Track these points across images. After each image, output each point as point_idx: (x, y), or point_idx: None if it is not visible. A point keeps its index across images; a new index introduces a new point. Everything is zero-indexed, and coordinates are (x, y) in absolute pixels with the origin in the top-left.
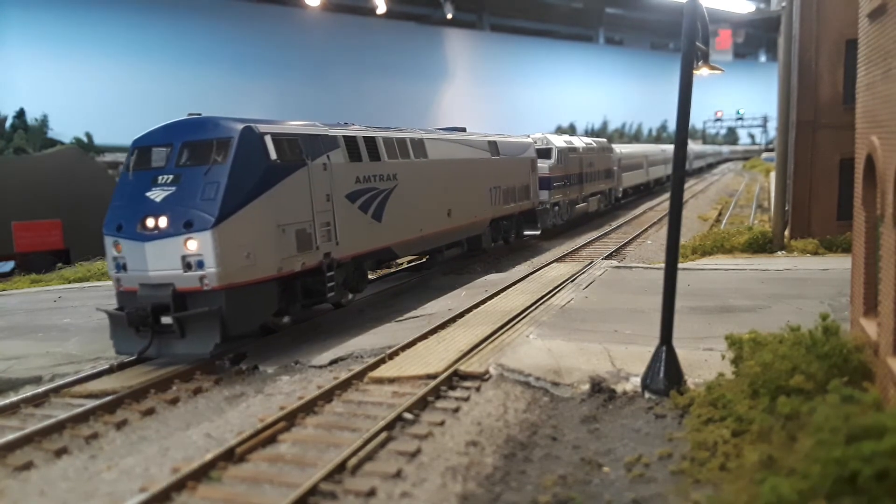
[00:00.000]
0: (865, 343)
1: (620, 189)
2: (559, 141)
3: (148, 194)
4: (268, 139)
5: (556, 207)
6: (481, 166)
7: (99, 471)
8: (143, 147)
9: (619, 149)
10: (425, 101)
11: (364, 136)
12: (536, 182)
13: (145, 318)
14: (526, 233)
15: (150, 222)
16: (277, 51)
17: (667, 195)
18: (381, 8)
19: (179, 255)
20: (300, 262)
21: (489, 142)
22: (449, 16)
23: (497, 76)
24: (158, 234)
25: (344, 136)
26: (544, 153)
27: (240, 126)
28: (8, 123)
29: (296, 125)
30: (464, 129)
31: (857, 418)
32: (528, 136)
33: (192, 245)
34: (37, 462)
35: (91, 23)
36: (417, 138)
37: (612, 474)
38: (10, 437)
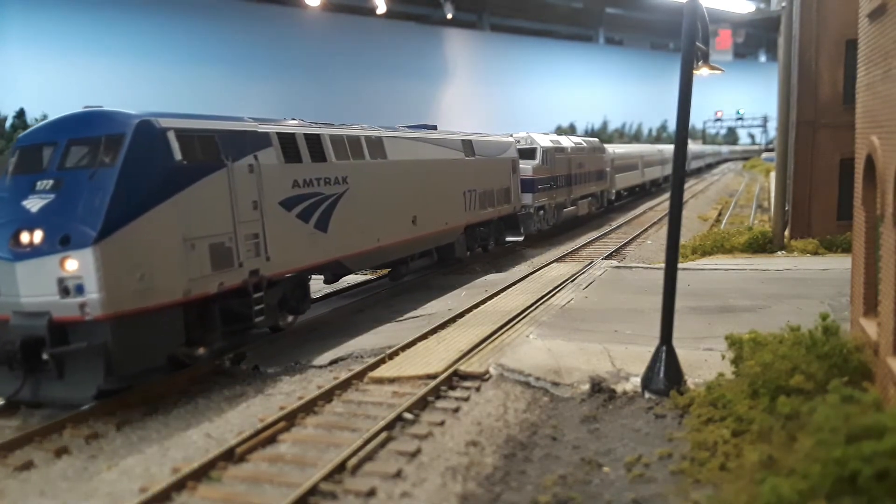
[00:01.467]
0: (865, 343)
1: (613, 191)
2: (544, 140)
3: (24, 203)
4: (171, 136)
5: (542, 211)
6: (453, 168)
7: (99, 471)
8: (25, 147)
9: (612, 149)
10: (425, 101)
11: (305, 134)
12: (518, 184)
13: (13, 355)
14: (508, 239)
15: (24, 237)
16: (277, 51)
17: (665, 196)
18: (381, 8)
19: (55, 278)
20: (217, 283)
21: (463, 141)
22: (449, 16)
23: (497, 76)
24: (31, 252)
25: (278, 134)
26: (528, 153)
27: (135, 120)
28: (8, 123)
29: (214, 119)
30: (434, 127)
31: (857, 418)
32: (511, 136)
33: (71, 265)
34: (37, 462)
35: (91, 23)
36: (374, 136)
37: (612, 474)
38: (11, 436)
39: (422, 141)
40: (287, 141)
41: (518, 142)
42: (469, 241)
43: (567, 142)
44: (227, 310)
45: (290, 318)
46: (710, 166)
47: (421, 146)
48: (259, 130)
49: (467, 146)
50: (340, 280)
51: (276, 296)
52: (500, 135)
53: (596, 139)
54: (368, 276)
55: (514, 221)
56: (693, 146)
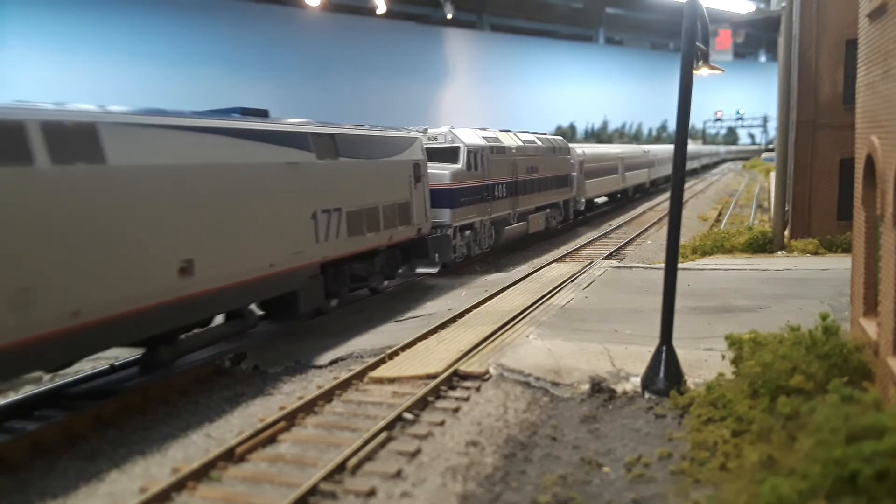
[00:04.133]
0: (865, 343)
1: (583, 200)
2: (472, 137)
3: None
4: None
5: (468, 232)
6: (288, 177)
7: (99, 471)
8: None
9: (582, 149)
10: (425, 101)
11: None
12: (426, 197)
13: None
14: (419, 270)
15: None
16: (277, 51)
17: (657, 199)
18: (381, 8)
19: None
20: None
21: (313, 135)
22: (449, 16)
23: (497, 76)
24: None
25: None
26: (447, 154)
27: None
28: None
29: None
30: (265, 113)
31: (857, 418)
32: (422, 130)
33: None
34: (37, 462)
35: (91, 23)
36: (72, 122)
37: (612, 474)
38: (11, 436)
39: (214, 133)
40: None
41: (434, 139)
42: (331, 285)
43: (510, 140)
44: None
45: None
46: (706, 167)
47: (213, 142)
48: None
49: (322, 144)
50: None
51: None
52: (395, 129)
53: (560, 137)
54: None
55: (421, 248)
56: (689, 147)
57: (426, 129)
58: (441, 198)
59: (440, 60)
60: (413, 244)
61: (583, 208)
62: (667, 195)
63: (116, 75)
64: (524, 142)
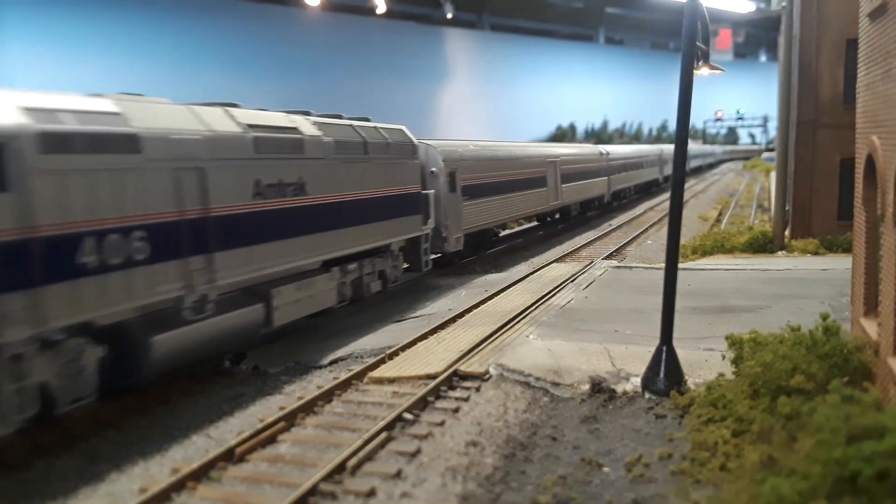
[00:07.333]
0: (866, 343)
1: (458, 236)
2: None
3: None
4: None
5: None
6: None
7: (99, 471)
8: None
9: (456, 150)
10: (425, 101)
11: None
12: None
13: None
14: None
15: None
16: (277, 51)
17: (655, 200)
18: (381, 8)
19: None
20: None
21: None
22: (449, 16)
23: (497, 76)
24: None
25: None
26: None
27: None
28: None
29: None
30: None
31: (857, 418)
32: None
33: None
34: (37, 462)
35: (91, 22)
36: None
37: (612, 474)
38: (11, 437)
39: None
40: None
41: None
42: None
43: (191, 118)
44: None
45: None
46: (697, 171)
47: None
48: None
49: None
50: None
51: None
52: None
53: (398, 127)
54: None
55: None
56: (667, 147)
57: None
58: None
59: (440, 60)
60: None
61: (460, 248)
62: (657, 199)
63: (116, 75)
64: (253, 128)
